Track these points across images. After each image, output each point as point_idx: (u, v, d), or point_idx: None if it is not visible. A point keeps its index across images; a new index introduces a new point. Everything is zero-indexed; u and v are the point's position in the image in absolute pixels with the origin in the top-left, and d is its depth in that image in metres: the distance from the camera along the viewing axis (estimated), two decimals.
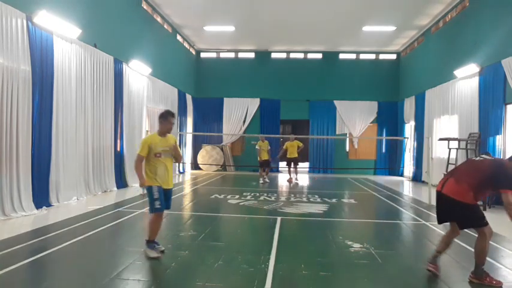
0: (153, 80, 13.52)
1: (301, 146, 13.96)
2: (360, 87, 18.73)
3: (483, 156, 4.34)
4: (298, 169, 14.19)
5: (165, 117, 4.87)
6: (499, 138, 9.65)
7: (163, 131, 4.90)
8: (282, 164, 19.55)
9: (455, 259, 4.86)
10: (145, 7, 12.98)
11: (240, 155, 19.00)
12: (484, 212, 8.57)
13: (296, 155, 13.83)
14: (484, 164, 4.15)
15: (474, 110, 10.85)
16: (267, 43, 18.41)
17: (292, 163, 13.95)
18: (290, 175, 14.07)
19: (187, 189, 11.81)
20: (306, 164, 19.45)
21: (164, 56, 14.81)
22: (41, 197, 7.43)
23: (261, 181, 13.34)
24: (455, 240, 5.78)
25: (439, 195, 4.23)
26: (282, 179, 15.31)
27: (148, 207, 4.90)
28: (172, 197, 9.69)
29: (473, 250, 4.17)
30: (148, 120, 13.40)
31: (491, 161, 4.22)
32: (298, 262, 4.50)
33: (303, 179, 15.48)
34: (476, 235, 4.15)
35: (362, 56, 19.05)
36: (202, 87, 19.32)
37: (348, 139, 18.76)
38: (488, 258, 4.81)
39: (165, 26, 15.02)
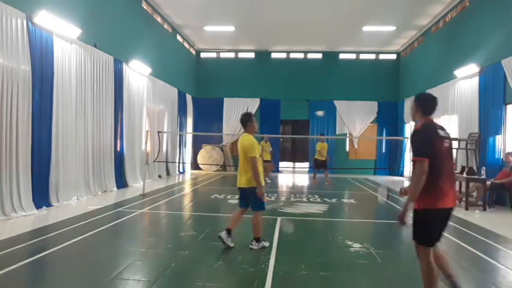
0: (153, 80, 13.52)
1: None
2: (360, 87, 18.73)
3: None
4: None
5: (252, 119, 5.11)
6: (499, 138, 9.65)
7: (254, 133, 5.13)
8: (282, 165, 19.58)
9: (455, 259, 4.86)
10: (145, 7, 12.98)
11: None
12: (484, 211, 8.63)
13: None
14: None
15: (474, 110, 10.85)
16: (267, 43, 18.40)
17: (321, 165, 13.77)
18: (315, 177, 13.93)
19: (188, 189, 11.81)
20: (306, 164, 19.46)
21: (164, 56, 14.81)
22: (41, 197, 7.43)
23: (267, 180, 13.33)
24: (455, 240, 5.81)
25: (449, 211, 3.22)
26: (282, 179, 15.31)
27: (255, 207, 5.06)
28: (173, 197, 9.74)
29: (446, 255, 3.44)
30: (148, 120, 13.41)
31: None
32: (298, 262, 4.50)
33: (303, 179, 15.49)
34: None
35: (362, 56, 19.05)
36: (202, 87, 19.32)
37: (348, 139, 18.76)
38: (488, 259, 4.84)
39: (165, 26, 15.01)
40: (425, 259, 3.13)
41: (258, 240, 5.04)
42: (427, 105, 3.34)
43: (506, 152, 9.28)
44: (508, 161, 8.92)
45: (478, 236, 6.03)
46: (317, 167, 13.87)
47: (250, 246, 5.01)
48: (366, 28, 15.11)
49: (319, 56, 19.21)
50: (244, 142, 4.94)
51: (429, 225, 3.14)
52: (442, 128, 3.32)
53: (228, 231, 5.00)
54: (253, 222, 5.06)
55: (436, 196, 3.11)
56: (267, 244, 5.10)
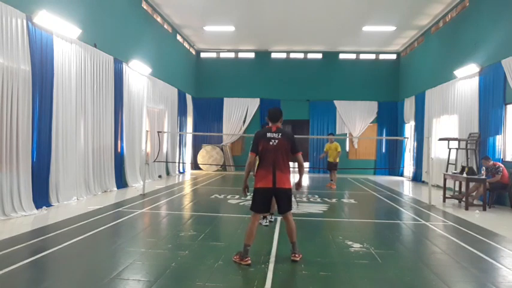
0: (153, 80, 13.52)
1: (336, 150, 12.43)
2: (360, 87, 18.74)
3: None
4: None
5: None
6: (499, 138, 9.65)
7: None
8: None
9: (455, 259, 4.86)
10: (145, 7, 12.98)
11: (240, 155, 18.99)
12: (484, 211, 8.65)
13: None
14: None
15: (474, 110, 10.85)
16: (267, 43, 18.40)
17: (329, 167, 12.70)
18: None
19: (187, 189, 11.81)
20: (306, 164, 19.47)
21: (164, 56, 14.81)
22: (41, 197, 7.42)
23: None
24: (455, 240, 5.81)
25: (271, 190, 4.49)
26: None
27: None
28: (173, 197, 9.73)
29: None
30: (148, 120, 13.40)
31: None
32: (298, 262, 4.50)
33: (303, 179, 15.48)
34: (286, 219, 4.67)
35: (362, 56, 19.05)
36: (202, 87, 19.32)
37: (348, 139, 18.76)
38: (488, 258, 4.85)
39: (165, 26, 15.01)
40: (252, 219, 4.55)
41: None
42: (271, 116, 4.67)
43: (482, 158, 9.32)
44: (487, 165, 8.92)
45: (478, 236, 6.03)
46: (328, 169, 12.86)
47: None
48: (366, 28, 15.11)
49: (319, 56, 19.21)
50: None
51: (254, 198, 4.58)
52: (277, 131, 4.57)
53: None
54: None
55: (258, 179, 4.54)
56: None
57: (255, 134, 4.68)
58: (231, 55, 19.47)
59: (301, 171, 4.73)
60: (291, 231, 4.60)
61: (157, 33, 14.26)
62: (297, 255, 4.53)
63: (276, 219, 6.83)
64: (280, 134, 4.55)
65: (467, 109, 11.27)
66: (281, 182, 4.46)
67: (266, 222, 6.13)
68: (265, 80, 19.02)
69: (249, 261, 4.34)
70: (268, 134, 4.55)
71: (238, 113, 18.80)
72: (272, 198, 4.61)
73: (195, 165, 18.42)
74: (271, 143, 4.50)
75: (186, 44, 17.70)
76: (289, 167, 4.62)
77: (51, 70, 7.76)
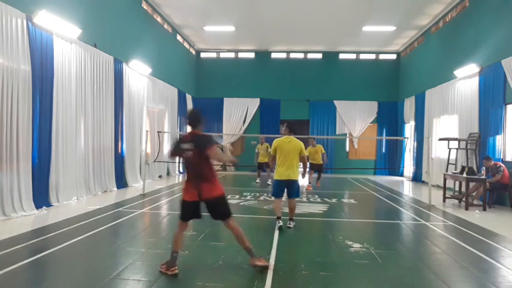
0: (153, 80, 13.52)
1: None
2: (360, 87, 18.74)
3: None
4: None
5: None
6: (499, 138, 9.65)
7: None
8: None
9: (455, 259, 4.87)
10: (145, 7, 12.98)
11: (240, 155, 18.98)
12: (484, 211, 8.63)
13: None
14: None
15: (474, 110, 10.85)
16: (267, 43, 18.40)
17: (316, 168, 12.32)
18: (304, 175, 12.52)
19: None
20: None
21: (164, 56, 14.81)
22: (41, 197, 7.43)
23: (257, 181, 13.33)
24: (455, 240, 5.81)
25: (194, 203, 4.20)
26: None
27: (297, 194, 6.45)
28: (173, 197, 9.72)
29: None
30: (148, 120, 13.40)
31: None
32: (298, 262, 4.50)
33: (303, 179, 15.48)
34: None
35: (362, 56, 19.05)
36: (202, 87, 19.32)
37: (348, 139, 18.76)
38: (488, 258, 4.85)
39: (165, 26, 15.01)
40: (179, 226, 4.34)
41: (293, 220, 6.41)
42: (189, 121, 4.36)
43: (483, 158, 9.31)
44: (488, 165, 8.90)
45: (478, 236, 6.03)
46: (313, 169, 12.51)
47: (288, 225, 6.25)
48: (366, 28, 15.11)
49: (319, 56, 19.21)
50: (300, 144, 6.24)
51: (181, 208, 4.29)
52: (190, 141, 4.18)
53: (287, 220, 6.35)
54: (292, 205, 6.34)
55: (184, 191, 4.24)
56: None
57: (177, 138, 4.51)
58: (231, 55, 19.47)
59: (221, 159, 4.66)
60: (237, 237, 4.27)
61: (157, 33, 14.26)
62: (257, 261, 4.18)
63: (276, 220, 6.83)
64: (192, 144, 4.13)
65: (467, 109, 11.27)
66: (207, 193, 4.13)
67: (280, 222, 6.18)
68: (265, 80, 19.01)
69: (176, 271, 4.00)
70: (182, 145, 4.18)
71: (238, 113, 18.80)
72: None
73: None
74: (184, 154, 4.17)
75: (186, 44, 17.70)
76: (213, 173, 4.26)
77: (51, 70, 7.77)
